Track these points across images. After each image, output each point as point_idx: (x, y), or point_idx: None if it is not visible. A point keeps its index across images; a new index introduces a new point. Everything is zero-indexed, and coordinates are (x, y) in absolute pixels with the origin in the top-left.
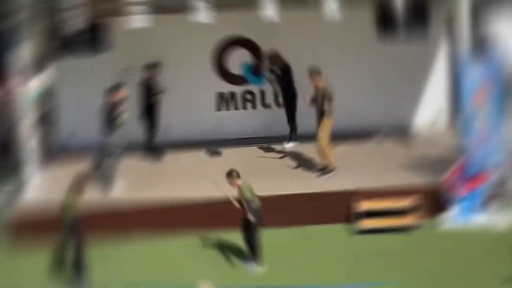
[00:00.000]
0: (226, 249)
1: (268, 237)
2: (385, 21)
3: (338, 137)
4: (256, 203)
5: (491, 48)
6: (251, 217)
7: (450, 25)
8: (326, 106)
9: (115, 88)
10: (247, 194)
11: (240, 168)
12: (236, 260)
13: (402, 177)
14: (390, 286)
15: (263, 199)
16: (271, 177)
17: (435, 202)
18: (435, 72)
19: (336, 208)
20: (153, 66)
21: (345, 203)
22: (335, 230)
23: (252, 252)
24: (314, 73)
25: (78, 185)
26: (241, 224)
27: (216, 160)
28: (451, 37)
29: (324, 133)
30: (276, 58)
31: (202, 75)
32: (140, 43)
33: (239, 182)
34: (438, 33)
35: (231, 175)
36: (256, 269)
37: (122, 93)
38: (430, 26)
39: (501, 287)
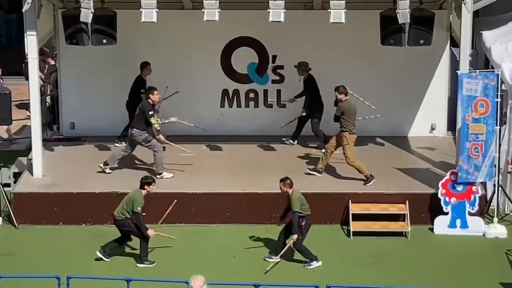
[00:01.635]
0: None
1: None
2: (390, 26)
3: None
4: (305, 209)
5: (489, 60)
6: (293, 229)
7: (452, 32)
8: (345, 121)
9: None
10: (294, 203)
11: (238, 165)
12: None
13: (396, 182)
14: None
15: (258, 195)
16: (267, 175)
17: (427, 209)
18: (436, 78)
19: (329, 209)
20: (144, 65)
21: (338, 205)
22: (328, 231)
23: (303, 253)
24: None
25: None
26: (286, 225)
27: (215, 157)
28: (453, 45)
29: (349, 150)
30: (302, 68)
31: (209, 72)
32: (145, 38)
33: (288, 190)
34: (441, 40)
35: (284, 181)
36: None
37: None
38: (432, 33)
39: None
